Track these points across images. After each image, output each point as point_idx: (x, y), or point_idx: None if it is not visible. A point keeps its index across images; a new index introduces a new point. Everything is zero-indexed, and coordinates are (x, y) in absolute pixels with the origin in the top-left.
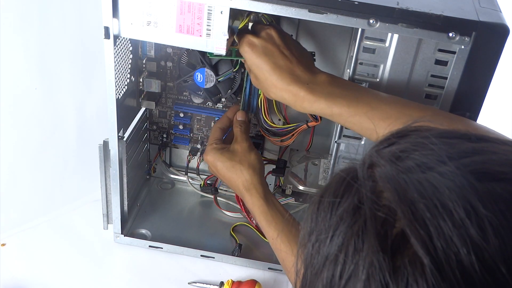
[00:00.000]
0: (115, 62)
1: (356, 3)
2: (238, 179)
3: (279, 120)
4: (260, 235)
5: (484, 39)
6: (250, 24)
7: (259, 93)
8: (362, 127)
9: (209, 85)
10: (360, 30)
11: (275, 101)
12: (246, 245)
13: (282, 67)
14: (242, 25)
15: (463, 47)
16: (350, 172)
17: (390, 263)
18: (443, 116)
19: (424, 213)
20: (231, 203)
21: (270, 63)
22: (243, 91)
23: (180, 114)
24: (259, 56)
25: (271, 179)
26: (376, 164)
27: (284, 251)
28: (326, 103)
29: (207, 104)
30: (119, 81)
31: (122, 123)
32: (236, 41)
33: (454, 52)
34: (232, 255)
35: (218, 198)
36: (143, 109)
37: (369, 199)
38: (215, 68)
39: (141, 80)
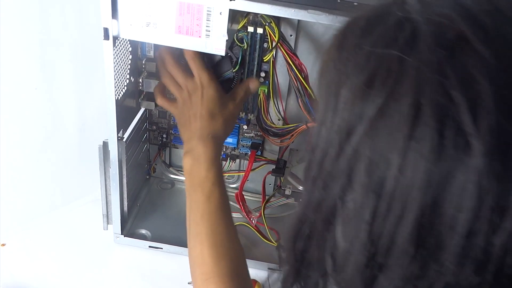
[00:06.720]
0: (114, 63)
1: (355, 3)
2: (217, 122)
3: (279, 120)
4: (260, 235)
5: None
6: (250, 28)
7: (259, 93)
8: None
9: None
10: None
11: (274, 101)
12: (246, 245)
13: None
14: (241, 25)
15: None
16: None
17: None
18: None
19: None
20: (231, 203)
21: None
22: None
23: None
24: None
25: (271, 179)
26: None
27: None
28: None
29: None
30: (119, 82)
31: (122, 124)
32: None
33: None
34: None
35: None
36: (142, 109)
37: (415, 9)
38: (215, 68)
39: (140, 80)
